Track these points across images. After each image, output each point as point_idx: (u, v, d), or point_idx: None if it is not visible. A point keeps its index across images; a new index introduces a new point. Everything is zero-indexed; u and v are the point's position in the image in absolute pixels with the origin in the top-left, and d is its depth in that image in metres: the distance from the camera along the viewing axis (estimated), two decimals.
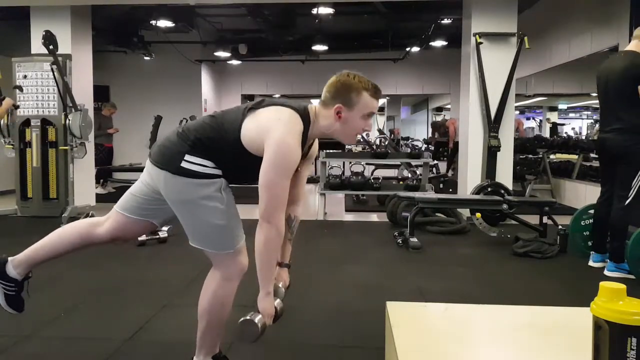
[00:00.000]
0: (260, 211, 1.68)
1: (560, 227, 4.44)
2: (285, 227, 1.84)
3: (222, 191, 1.79)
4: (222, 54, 10.43)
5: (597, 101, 3.86)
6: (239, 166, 1.79)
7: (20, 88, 5.89)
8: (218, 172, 1.78)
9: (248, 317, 1.73)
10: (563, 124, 16.04)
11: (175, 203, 1.81)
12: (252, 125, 1.73)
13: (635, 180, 3.49)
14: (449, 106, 12.06)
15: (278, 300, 1.84)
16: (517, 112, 11.83)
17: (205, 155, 1.76)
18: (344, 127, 1.76)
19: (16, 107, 5.70)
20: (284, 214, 1.73)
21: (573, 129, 17.27)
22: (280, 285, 1.93)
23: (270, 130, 1.67)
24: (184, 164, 1.75)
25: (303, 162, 1.84)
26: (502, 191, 5.33)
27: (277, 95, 14.00)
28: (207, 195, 1.76)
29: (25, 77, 5.97)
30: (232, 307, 1.92)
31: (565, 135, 13.41)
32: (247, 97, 12.06)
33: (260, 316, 1.73)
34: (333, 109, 1.74)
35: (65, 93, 5.75)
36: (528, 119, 17.16)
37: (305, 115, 1.75)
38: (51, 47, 5.54)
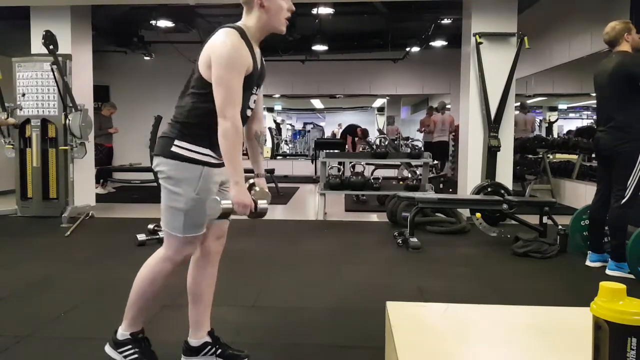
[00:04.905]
0: (217, 108, 1.81)
1: (560, 227, 4.45)
2: (255, 143, 2.11)
3: (200, 178, 1.91)
4: None
5: (596, 101, 3.88)
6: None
7: (24, 95, 5.95)
8: (204, 157, 1.92)
9: (217, 197, 1.87)
10: (559, 124, 16.01)
11: (161, 180, 1.96)
12: (202, 57, 1.89)
13: (630, 179, 3.51)
14: (449, 106, 12.05)
15: (263, 201, 1.93)
16: (517, 112, 11.80)
17: (191, 137, 1.91)
18: (270, 14, 1.91)
19: (16, 126, 5.87)
20: (238, 112, 1.83)
21: (570, 131, 17.25)
22: (266, 191, 2.06)
23: (212, 44, 1.85)
24: (174, 149, 1.91)
25: (259, 78, 1.99)
26: (502, 191, 5.33)
27: (277, 96, 14.04)
28: (184, 178, 1.91)
29: (23, 95, 5.99)
30: (162, 286, 2.04)
31: (563, 134, 13.43)
32: None
33: (228, 201, 1.85)
34: (254, 3, 1.90)
35: (65, 93, 5.75)
36: None
37: (236, 27, 1.89)
38: (51, 47, 5.54)
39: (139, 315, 2.07)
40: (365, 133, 11.84)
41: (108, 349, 2.09)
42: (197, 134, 1.91)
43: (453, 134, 10.03)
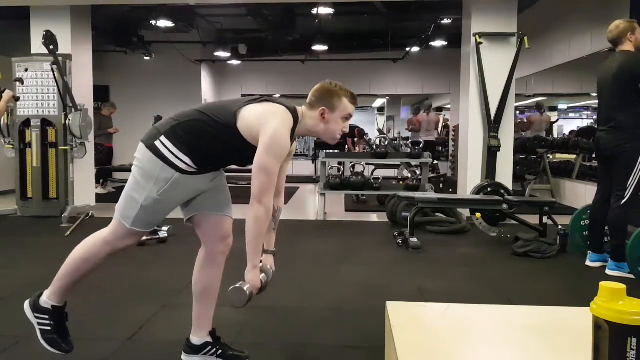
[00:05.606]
0: (254, 192, 1.86)
1: (560, 227, 4.45)
2: (270, 218, 2.01)
3: (169, 182, 1.90)
4: (222, 54, 10.43)
5: (597, 101, 3.88)
6: (225, 150, 1.97)
7: (21, 81, 5.84)
8: (181, 164, 1.90)
9: (237, 285, 1.90)
10: (559, 124, 16.04)
11: (134, 167, 1.97)
12: (251, 115, 1.91)
13: (630, 179, 3.50)
14: (449, 106, 12.05)
15: (263, 275, 2.00)
16: (518, 112, 11.80)
17: (178, 142, 1.90)
18: (327, 127, 1.98)
19: (16, 99, 5.56)
20: (272, 196, 1.90)
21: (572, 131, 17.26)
22: (268, 267, 2.09)
23: (267, 121, 1.87)
24: (157, 143, 1.91)
25: (286, 157, 1.99)
26: (502, 191, 5.33)
27: (277, 96, 14.06)
28: (153, 175, 1.90)
29: (26, 70, 5.94)
30: (95, 267, 2.05)
31: (563, 134, 13.45)
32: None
33: (248, 285, 1.91)
34: (318, 111, 1.96)
35: (65, 93, 5.75)
36: None
37: (294, 114, 1.96)
38: (51, 47, 5.54)
39: (65, 290, 2.07)
40: (361, 133, 11.90)
41: (27, 306, 2.10)
42: (184, 141, 1.90)
43: (453, 133, 10.03)
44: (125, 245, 2.01)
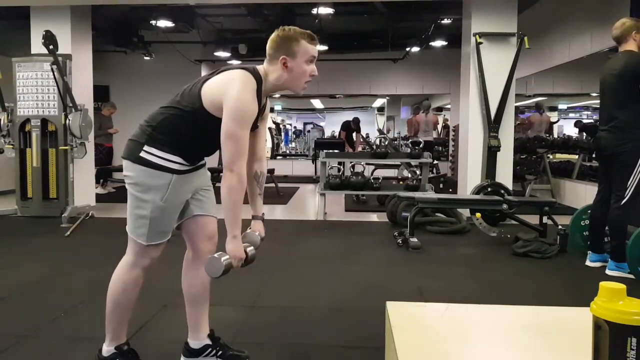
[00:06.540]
0: (224, 161, 1.81)
1: (560, 227, 4.45)
2: (254, 183, 2.05)
3: (169, 187, 1.88)
4: (222, 54, 10.43)
5: (597, 101, 3.88)
6: (205, 136, 1.90)
7: None
8: (174, 165, 1.89)
9: (215, 255, 1.85)
10: (560, 124, 16.04)
11: (127, 185, 1.94)
12: (211, 88, 1.86)
13: (630, 179, 3.50)
14: (449, 106, 12.03)
15: (251, 247, 1.95)
16: (520, 113, 11.76)
17: (162, 145, 1.88)
18: (292, 75, 1.89)
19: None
20: (245, 163, 1.84)
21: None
22: (256, 234, 2.06)
23: (228, 88, 1.81)
24: (142, 154, 1.88)
25: (260, 120, 1.97)
26: (502, 191, 5.33)
27: (277, 96, 14.04)
28: (151, 186, 1.88)
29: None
30: (137, 297, 2.03)
31: (563, 134, 13.46)
32: None
33: (227, 256, 1.85)
34: (279, 61, 1.87)
35: (65, 93, 5.75)
36: None
37: (256, 74, 1.87)
38: (51, 47, 5.54)
39: (120, 327, 2.02)
40: (357, 122, 11.79)
41: None
42: (167, 141, 1.88)
43: (453, 133, 10.04)
44: (150, 261, 1.98)
